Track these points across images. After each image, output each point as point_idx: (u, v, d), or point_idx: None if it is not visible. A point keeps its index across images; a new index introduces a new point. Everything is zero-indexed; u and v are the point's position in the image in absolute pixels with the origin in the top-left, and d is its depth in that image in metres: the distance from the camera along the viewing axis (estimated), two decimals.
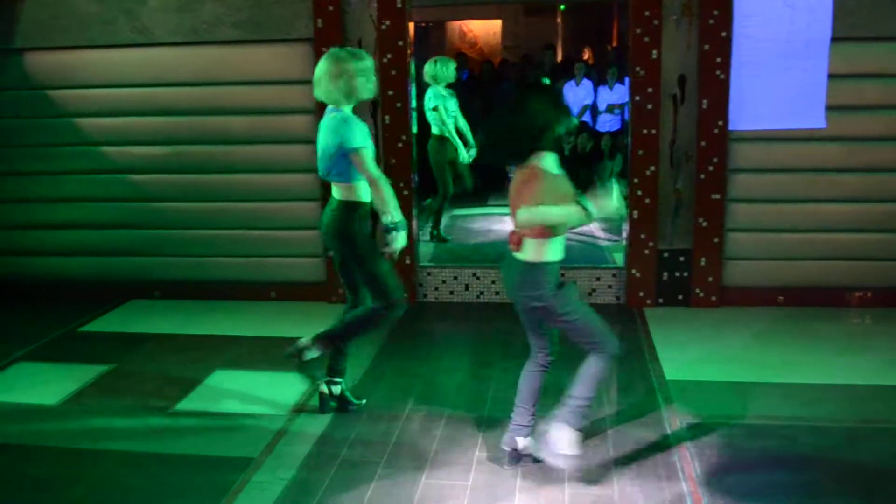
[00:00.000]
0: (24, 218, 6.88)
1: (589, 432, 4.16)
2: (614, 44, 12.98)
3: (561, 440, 3.72)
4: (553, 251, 3.63)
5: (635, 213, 6.18)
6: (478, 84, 10.98)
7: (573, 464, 3.76)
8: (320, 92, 4.17)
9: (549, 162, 3.58)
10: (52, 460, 4.06)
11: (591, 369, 3.70)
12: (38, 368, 5.36)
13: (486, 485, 3.74)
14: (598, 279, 6.42)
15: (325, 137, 4.18)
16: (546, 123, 3.54)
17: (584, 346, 3.72)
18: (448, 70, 7.74)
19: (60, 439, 4.30)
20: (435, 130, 7.82)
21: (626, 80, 6.53)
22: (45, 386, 5.01)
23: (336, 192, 4.25)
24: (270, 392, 4.85)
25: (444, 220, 8.23)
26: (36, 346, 5.77)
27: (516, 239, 3.60)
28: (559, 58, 13.29)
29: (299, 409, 4.59)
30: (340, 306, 6.36)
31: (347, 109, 4.17)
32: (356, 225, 4.19)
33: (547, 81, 8.21)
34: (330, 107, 4.22)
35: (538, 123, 3.53)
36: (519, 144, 3.57)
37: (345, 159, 4.10)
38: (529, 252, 3.60)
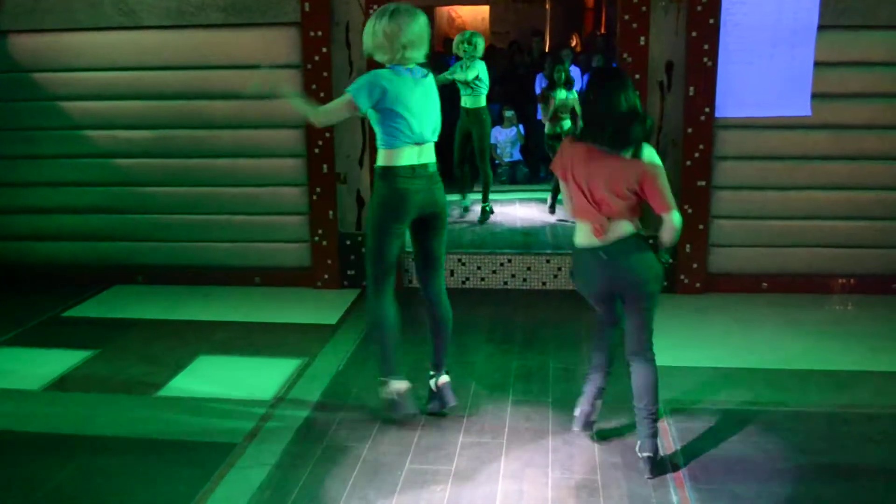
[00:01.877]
0: (7, 202, 6.81)
1: (571, 417, 4.20)
2: (603, 30, 12.96)
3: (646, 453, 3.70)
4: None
5: None
6: None
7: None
8: (425, 49, 3.98)
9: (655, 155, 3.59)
10: (36, 446, 4.04)
11: (649, 378, 3.68)
12: (21, 354, 5.33)
13: (470, 470, 3.75)
14: None
15: (433, 97, 4.04)
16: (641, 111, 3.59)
17: (633, 345, 3.68)
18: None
19: (43, 425, 4.28)
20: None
21: (614, 66, 6.52)
22: (28, 371, 4.98)
23: (433, 155, 4.10)
24: (254, 377, 4.84)
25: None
26: (19, 331, 5.73)
27: (603, 228, 3.57)
28: (547, 44, 13.27)
29: (283, 395, 4.58)
30: (325, 292, 6.42)
31: None
32: None
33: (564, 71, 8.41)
34: (402, 66, 3.96)
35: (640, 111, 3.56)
36: (630, 130, 3.48)
37: None
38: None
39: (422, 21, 3.95)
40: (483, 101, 7.99)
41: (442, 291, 4.27)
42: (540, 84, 10.16)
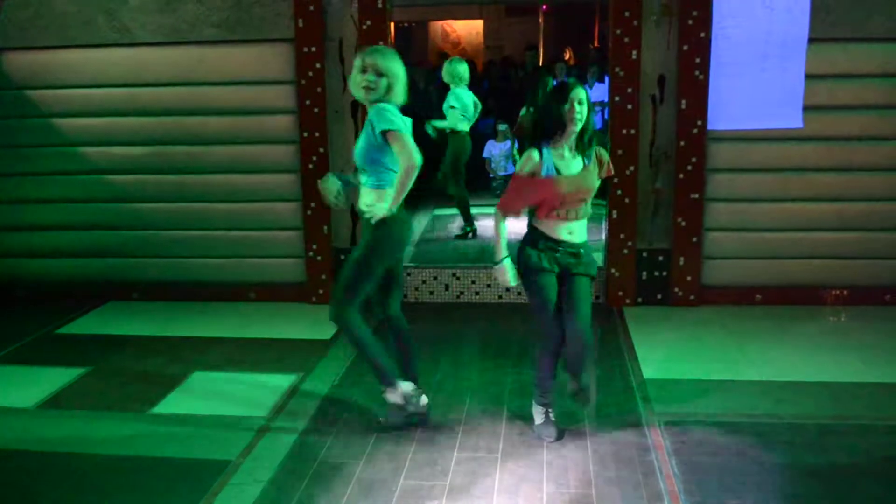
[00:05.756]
0: (0, 219, 6.81)
1: (567, 431, 4.20)
2: (596, 44, 13.04)
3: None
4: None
5: (615, 213, 6.20)
6: None
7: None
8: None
9: None
10: (29, 464, 4.02)
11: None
12: (14, 371, 5.32)
13: (465, 485, 3.74)
14: None
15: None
16: None
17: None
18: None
19: (37, 443, 4.26)
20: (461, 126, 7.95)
21: (607, 78, 6.54)
22: (21, 388, 4.97)
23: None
24: (249, 394, 4.84)
25: (428, 222, 8.24)
26: (12, 348, 5.72)
27: None
28: (541, 58, 13.33)
29: (278, 411, 4.57)
30: (320, 307, 6.39)
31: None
32: None
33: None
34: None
35: None
36: None
37: None
38: None
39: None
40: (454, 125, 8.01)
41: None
42: None
